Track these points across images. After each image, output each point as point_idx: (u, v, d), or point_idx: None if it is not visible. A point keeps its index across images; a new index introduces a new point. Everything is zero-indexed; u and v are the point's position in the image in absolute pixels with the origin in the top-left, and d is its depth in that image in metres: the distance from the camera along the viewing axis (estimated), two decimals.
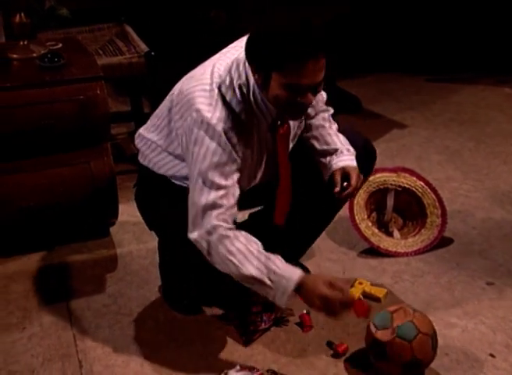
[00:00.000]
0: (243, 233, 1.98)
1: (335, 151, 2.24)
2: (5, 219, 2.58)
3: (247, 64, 1.96)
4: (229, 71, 1.99)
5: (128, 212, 2.84)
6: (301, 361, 2.18)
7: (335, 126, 2.31)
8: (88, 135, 2.61)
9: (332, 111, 2.34)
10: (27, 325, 2.34)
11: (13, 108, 2.47)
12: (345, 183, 2.19)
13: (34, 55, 2.70)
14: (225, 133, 1.93)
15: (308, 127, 2.28)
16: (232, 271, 1.96)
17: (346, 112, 2.74)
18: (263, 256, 1.94)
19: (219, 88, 1.96)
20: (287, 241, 2.39)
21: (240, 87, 1.97)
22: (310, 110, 2.24)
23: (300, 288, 1.93)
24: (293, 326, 2.32)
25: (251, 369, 2.12)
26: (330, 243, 2.74)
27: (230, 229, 1.96)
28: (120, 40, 3.44)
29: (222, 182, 1.96)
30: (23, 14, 2.69)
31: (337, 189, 2.17)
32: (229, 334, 2.29)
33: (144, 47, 3.25)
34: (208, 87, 1.97)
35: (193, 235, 1.98)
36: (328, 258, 2.68)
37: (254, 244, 1.96)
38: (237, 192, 2.00)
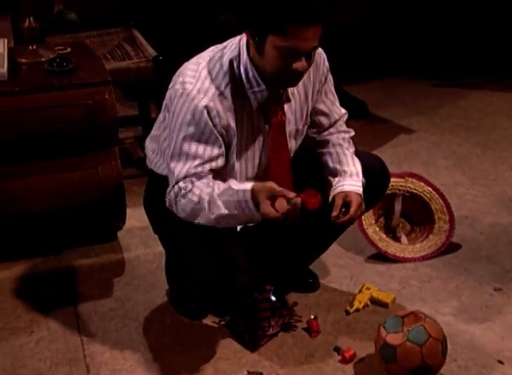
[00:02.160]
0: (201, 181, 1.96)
1: (344, 173, 2.18)
2: (13, 222, 2.59)
3: (243, 41, 1.97)
4: (223, 48, 2.01)
5: (135, 216, 2.84)
6: (308, 366, 2.18)
7: (352, 149, 2.26)
8: (96, 139, 2.61)
9: (353, 133, 2.29)
10: (35, 329, 2.35)
11: (22, 113, 2.48)
12: (343, 210, 2.11)
13: (43, 59, 2.71)
14: (206, 107, 1.93)
15: (325, 143, 2.25)
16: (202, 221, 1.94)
17: (353, 117, 2.73)
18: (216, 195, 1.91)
19: (208, 62, 1.98)
20: (294, 249, 2.39)
21: (230, 61, 1.98)
22: (324, 121, 2.24)
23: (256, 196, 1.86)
24: (300, 332, 2.32)
25: (259, 374, 2.12)
26: (337, 248, 2.73)
27: (191, 181, 1.95)
28: (128, 44, 3.45)
29: (199, 151, 1.95)
30: (31, 18, 2.70)
31: (334, 213, 2.09)
32: (237, 339, 2.28)
33: (152, 51, 3.26)
34: (195, 60, 2.00)
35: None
36: (336, 263, 2.67)
37: (209, 189, 1.93)
38: (217, 165, 1.98)
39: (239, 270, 2.05)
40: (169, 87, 2.05)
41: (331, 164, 2.22)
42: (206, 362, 2.20)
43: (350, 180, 2.17)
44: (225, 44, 2.04)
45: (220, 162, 2.00)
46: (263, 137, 2.10)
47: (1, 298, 2.50)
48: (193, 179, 1.95)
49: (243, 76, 1.98)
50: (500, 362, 2.19)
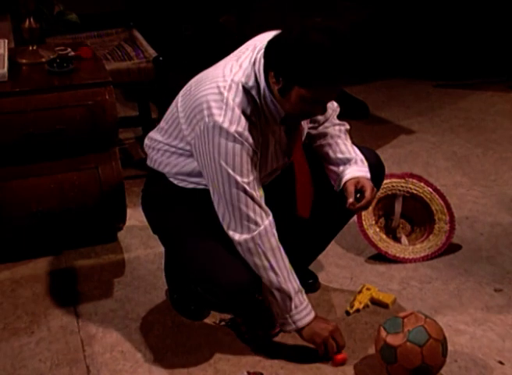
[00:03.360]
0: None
1: (348, 161, 2.19)
2: (13, 223, 2.59)
3: (259, 66, 1.96)
4: (238, 73, 1.98)
5: (135, 216, 2.85)
6: (309, 366, 2.18)
7: (349, 141, 2.28)
8: (96, 140, 2.61)
9: (348, 126, 2.31)
10: (35, 329, 2.34)
11: (22, 113, 2.48)
12: (358, 195, 2.13)
13: (43, 60, 2.71)
14: (240, 135, 1.92)
15: (323, 135, 2.26)
16: (270, 280, 2.05)
17: (354, 118, 2.75)
18: (298, 283, 2.10)
19: (229, 91, 1.95)
20: (296, 248, 2.39)
21: (250, 89, 1.97)
22: (320, 117, 2.25)
23: (307, 328, 2.12)
24: None
25: (259, 374, 2.12)
26: (338, 249, 2.73)
27: (273, 233, 2.04)
28: (129, 45, 3.45)
29: (250, 178, 1.98)
30: (32, 19, 2.69)
31: (351, 200, 2.11)
32: (237, 340, 2.28)
33: (152, 52, 3.26)
34: (217, 91, 1.95)
35: (238, 237, 2.02)
36: (336, 264, 2.67)
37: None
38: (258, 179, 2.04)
39: (239, 270, 2.05)
40: (187, 110, 2.01)
41: (332, 154, 2.23)
42: (206, 363, 2.20)
43: (357, 166, 2.18)
44: (237, 67, 2.00)
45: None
46: (285, 149, 2.14)
47: (1, 299, 2.50)
48: (262, 214, 2.02)
49: (263, 101, 1.98)
50: (501, 362, 2.18)
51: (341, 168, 2.20)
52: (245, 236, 2.01)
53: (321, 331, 2.12)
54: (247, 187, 1.97)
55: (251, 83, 1.97)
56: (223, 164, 1.95)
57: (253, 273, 2.06)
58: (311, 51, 1.82)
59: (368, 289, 2.48)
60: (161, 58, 3.17)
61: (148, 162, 2.26)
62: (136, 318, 2.40)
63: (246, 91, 1.96)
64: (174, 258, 2.33)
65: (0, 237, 2.62)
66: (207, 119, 1.93)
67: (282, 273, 2.04)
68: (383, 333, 2.06)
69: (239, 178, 1.96)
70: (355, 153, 2.22)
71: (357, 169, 2.17)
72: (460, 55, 4.47)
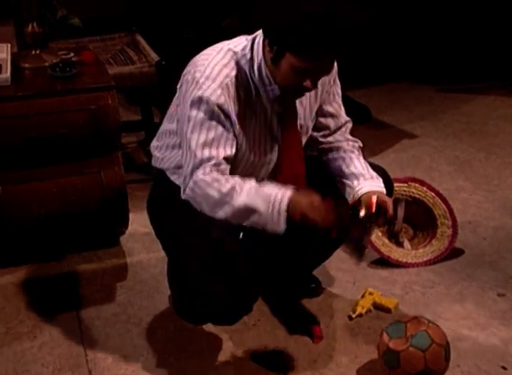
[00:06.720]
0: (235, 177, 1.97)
1: (363, 176, 2.16)
2: (16, 227, 2.59)
3: (259, 39, 1.97)
4: (233, 43, 2.02)
5: (138, 221, 2.84)
6: (311, 372, 2.18)
7: (362, 158, 2.25)
8: (99, 144, 2.62)
9: (361, 144, 2.29)
10: (38, 334, 2.34)
11: (25, 118, 2.48)
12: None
13: (46, 64, 2.71)
14: (212, 94, 1.93)
15: (336, 149, 2.24)
16: (226, 210, 1.94)
17: (356, 122, 2.74)
18: (254, 187, 1.94)
19: (218, 53, 1.99)
20: (302, 254, 2.38)
21: (241, 56, 1.98)
22: (332, 124, 2.24)
23: (292, 205, 1.91)
24: (303, 337, 2.31)
25: None
26: (341, 253, 2.72)
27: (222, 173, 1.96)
28: (131, 49, 3.45)
29: (209, 137, 1.95)
30: (35, 23, 2.71)
31: (373, 210, 2.02)
32: (240, 345, 2.28)
33: (154, 56, 3.26)
34: (208, 52, 2.02)
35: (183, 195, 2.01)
36: (339, 268, 2.67)
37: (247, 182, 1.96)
38: (229, 153, 1.98)
39: (240, 279, 2.04)
40: (182, 74, 2.06)
41: (345, 169, 2.20)
42: (209, 368, 2.20)
43: (373, 181, 2.15)
44: (237, 39, 2.04)
45: (229, 149, 1.98)
46: (274, 134, 2.10)
47: (4, 303, 2.50)
48: (212, 168, 1.95)
49: (257, 73, 1.98)
50: (504, 368, 2.18)
51: (355, 182, 2.15)
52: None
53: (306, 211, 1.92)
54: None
55: (245, 52, 1.98)
56: (192, 114, 1.96)
57: (252, 285, 2.06)
58: (305, 17, 1.81)
59: (370, 294, 2.47)
60: (163, 63, 3.18)
61: (153, 163, 2.26)
62: (138, 322, 2.40)
63: (236, 57, 1.98)
64: (173, 262, 2.33)
65: (3, 241, 2.62)
66: (189, 77, 1.98)
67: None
68: (386, 338, 2.06)
69: (202, 139, 1.94)
70: (368, 169, 2.19)
71: (374, 184, 2.13)
72: (462, 60, 4.46)
